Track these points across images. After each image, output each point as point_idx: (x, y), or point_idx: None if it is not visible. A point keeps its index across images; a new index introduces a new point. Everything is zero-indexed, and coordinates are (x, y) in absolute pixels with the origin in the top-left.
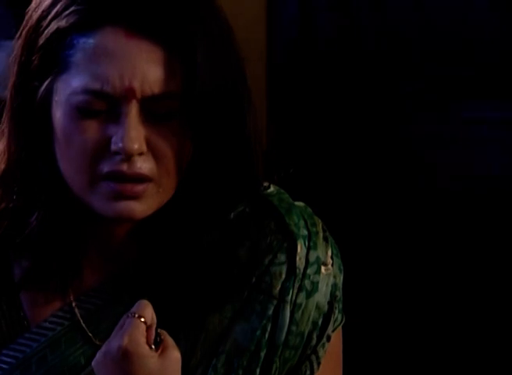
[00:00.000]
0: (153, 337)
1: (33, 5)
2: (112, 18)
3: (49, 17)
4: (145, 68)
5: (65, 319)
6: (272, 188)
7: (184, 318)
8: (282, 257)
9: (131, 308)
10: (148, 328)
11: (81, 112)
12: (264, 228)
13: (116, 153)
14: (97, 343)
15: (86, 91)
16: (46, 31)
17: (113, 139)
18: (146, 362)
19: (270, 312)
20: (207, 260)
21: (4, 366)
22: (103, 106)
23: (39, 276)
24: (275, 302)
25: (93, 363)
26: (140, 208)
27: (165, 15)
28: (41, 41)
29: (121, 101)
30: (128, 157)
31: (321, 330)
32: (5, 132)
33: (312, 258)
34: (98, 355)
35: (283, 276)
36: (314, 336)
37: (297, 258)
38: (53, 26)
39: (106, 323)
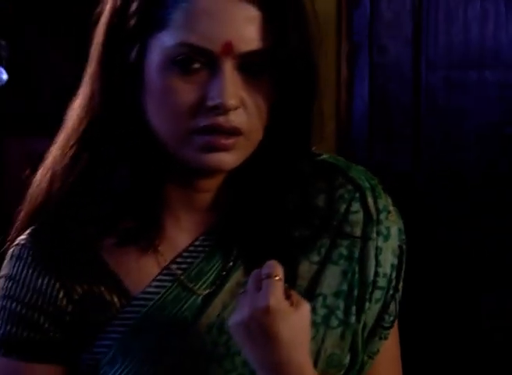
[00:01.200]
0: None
1: None
2: None
3: None
4: (242, 26)
5: (166, 281)
6: (324, 155)
7: None
8: (356, 206)
9: (223, 262)
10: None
11: (179, 67)
12: (334, 182)
13: (213, 108)
14: (198, 301)
15: (185, 45)
16: None
17: (210, 94)
18: (288, 318)
19: (356, 254)
20: (290, 209)
21: (115, 335)
22: (200, 62)
23: (128, 237)
24: (359, 245)
25: (231, 325)
26: (229, 160)
27: None
28: (137, 2)
29: (218, 57)
30: (225, 111)
31: (398, 270)
32: (88, 90)
33: (380, 206)
34: (237, 317)
35: (361, 223)
36: (394, 276)
37: (370, 206)
38: None
39: (204, 277)
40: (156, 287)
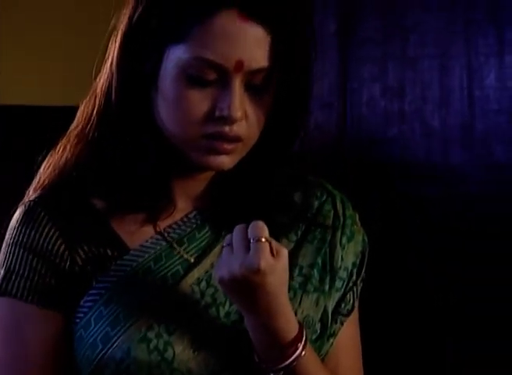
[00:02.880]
0: None
1: None
2: (228, 4)
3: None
4: (252, 46)
5: (162, 240)
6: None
7: None
8: (328, 206)
9: (213, 233)
10: None
11: (192, 79)
12: (310, 183)
13: (221, 118)
14: (190, 259)
15: (201, 60)
16: (166, 9)
17: (219, 105)
18: (274, 271)
19: (328, 238)
20: (271, 198)
21: (114, 279)
22: (212, 76)
23: (138, 208)
24: (330, 233)
25: (219, 278)
26: (229, 162)
27: (270, 1)
28: (157, 15)
29: (230, 73)
30: (231, 122)
31: (359, 269)
32: (103, 92)
33: (347, 214)
34: (225, 273)
35: (331, 220)
36: (354, 272)
37: (338, 210)
38: (174, 5)
39: (195, 243)
40: (152, 243)
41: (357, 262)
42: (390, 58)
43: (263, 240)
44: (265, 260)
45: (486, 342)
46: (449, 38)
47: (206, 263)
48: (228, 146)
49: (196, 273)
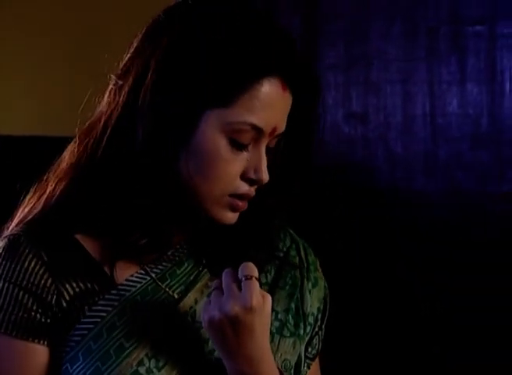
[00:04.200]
0: None
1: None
2: (272, 71)
3: (225, 55)
4: (284, 113)
5: (146, 275)
6: None
7: None
8: (293, 252)
9: (192, 269)
10: None
11: (232, 142)
12: (276, 226)
13: (251, 179)
14: (174, 295)
15: (246, 124)
16: (207, 74)
17: (252, 168)
18: (262, 312)
19: (298, 284)
20: (246, 240)
21: (103, 314)
22: (249, 139)
23: (129, 250)
24: (299, 278)
25: (210, 319)
26: (235, 218)
27: (307, 76)
28: (201, 78)
29: (263, 137)
30: (259, 184)
31: (323, 313)
32: (108, 133)
33: (310, 260)
34: (216, 314)
35: (298, 262)
36: (319, 317)
37: (302, 256)
38: (217, 72)
39: (176, 278)
40: (137, 277)
41: (321, 308)
42: (353, 84)
43: (253, 279)
44: (257, 299)
45: (474, 351)
46: (412, 65)
47: (190, 299)
48: (244, 204)
49: (181, 309)
